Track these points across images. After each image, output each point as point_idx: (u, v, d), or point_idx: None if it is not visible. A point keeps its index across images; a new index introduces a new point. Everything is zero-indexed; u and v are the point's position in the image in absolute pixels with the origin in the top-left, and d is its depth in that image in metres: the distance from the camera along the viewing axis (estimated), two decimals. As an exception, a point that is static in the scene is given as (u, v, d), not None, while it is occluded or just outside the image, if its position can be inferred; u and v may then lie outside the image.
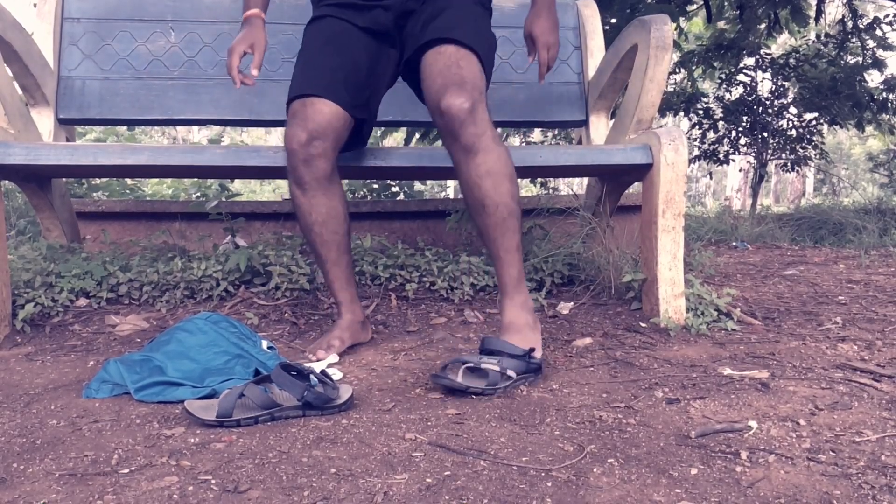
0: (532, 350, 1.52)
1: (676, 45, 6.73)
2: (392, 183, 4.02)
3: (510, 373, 1.45)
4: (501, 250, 1.59)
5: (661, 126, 2.12)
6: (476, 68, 1.59)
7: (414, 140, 5.85)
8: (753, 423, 1.22)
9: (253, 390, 1.27)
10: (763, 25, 6.95)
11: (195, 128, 18.60)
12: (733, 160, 7.50)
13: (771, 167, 8.87)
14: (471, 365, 1.45)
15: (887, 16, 6.84)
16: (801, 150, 7.06)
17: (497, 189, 1.55)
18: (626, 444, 1.15)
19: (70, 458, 1.10)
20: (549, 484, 1.00)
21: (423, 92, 1.63)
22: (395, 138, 7.32)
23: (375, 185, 4.01)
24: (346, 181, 4.21)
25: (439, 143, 5.94)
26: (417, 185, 4.96)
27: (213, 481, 1.01)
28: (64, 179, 2.51)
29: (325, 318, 2.07)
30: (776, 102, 6.97)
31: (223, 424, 1.24)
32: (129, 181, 4.34)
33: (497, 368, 1.44)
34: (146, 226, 2.97)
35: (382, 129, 5.37)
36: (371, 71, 1.76)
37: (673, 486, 0.99)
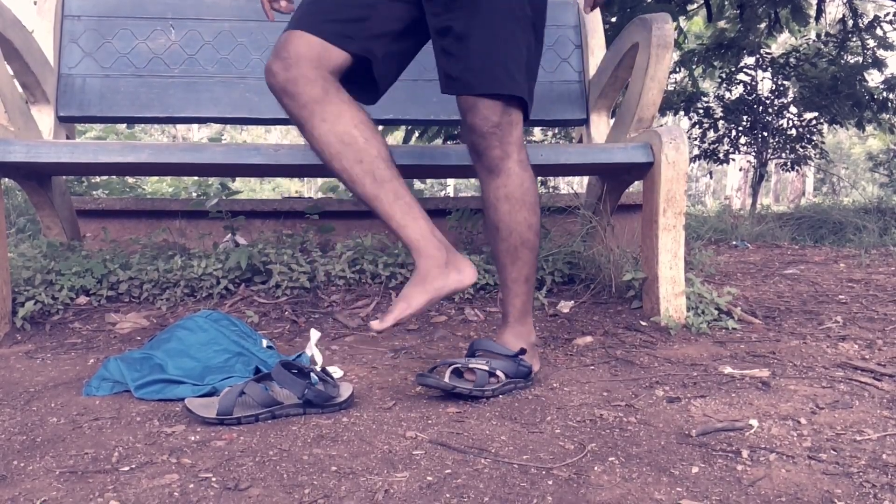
0: (523, 351, 1.48)
1: (677, 44, 6.73)
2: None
3: (499, 373, 1.42)
4: (509, 279, 1.54)
5: (661, 125, 2.12)
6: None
7: (413, 138, 5.84)
8: (754, 422, 1.22)
9: (253, 388, 1.27)
10: (763, 25, 6.95)
11: (195, 126, 18.61)
12: (733, 159, 7.51)
13: (771, 166, 8.88)
14: (458, 366, 1.41)
15: (887, 14, 6.84)
16: (801, 149, 7.07)
17: (512, 215, 1.50)
18: (627, 442, 1.15)
19: (70, 455, 1.10)
20: (550, 482, 1.00)
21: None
22: (395, 137, 7.32)
23: (376, 184, 3.99)
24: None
25: (438, 141, 5.94)
26: (417, 184, 4.96)
27: (213, 479, 1.01)
28: (64, 177, 2.50)
29: (325, 316, 2.07)
30: (776, 102, 6.98)
31: (224, 422, 1.24)
32: (129, 179, 4.35)
33: (485, 368, 1.41)
34: (146, 224, 2.97)
35: (382, 127, 5.37)
36: (380, 16, 1.46)
37: (674, 484, 0.99)
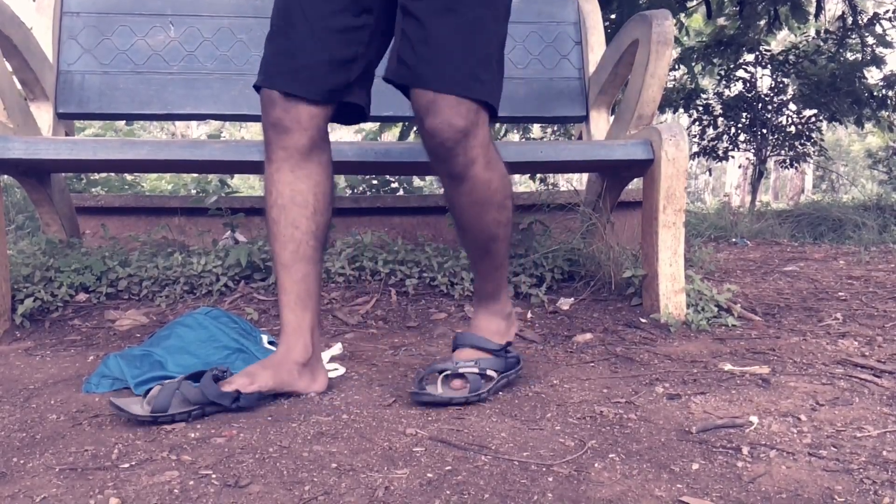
0: (509, 344, 1.46)
1: (676, 40, 6.73)
2: (391, 178, 4.02)
3: (490, 372, 1.40)
4: (481, 270, 1.49)
5: (661, 122, 2.11)
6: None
7: (411, 135, 5.83)
8: (754, 419, 1.22)
9: (188, 387, 1.25)
10: (763, 22, 6.95)
11: (193, 123, 18.57)
12: (732, 157, 7.50)
13: (770, 164, 8.87)
14: (448, 372, 1.38)
15: (887, 11, 6.83)
16: (800, 146, 7.06)
17: (480, 217, 1.39)
18: (627, 439, 1.15)
19: (70, 452, 1.10)
20: (551, 479, 1.00)
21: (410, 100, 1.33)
22: (393, 133, 7.32)
23: (375, 181, 4.01)
24: (345, 176, 4.21)
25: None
26: (416, 181, 4.96)
27: (213, 476, 1.00)
28: (63, 174, 2.50)
29: (324, 313, 2.06)
30: (776, 99, 6.97)
31: (157, 420, 1.22)
32: (128, 177, 4.34)
33: (476, 370, 1.38)
34: (146, 221, 2.97)
35: (380, 123, 5.36)
36: (357, 37, 1.38)
37: (674, 481, 0.99)
